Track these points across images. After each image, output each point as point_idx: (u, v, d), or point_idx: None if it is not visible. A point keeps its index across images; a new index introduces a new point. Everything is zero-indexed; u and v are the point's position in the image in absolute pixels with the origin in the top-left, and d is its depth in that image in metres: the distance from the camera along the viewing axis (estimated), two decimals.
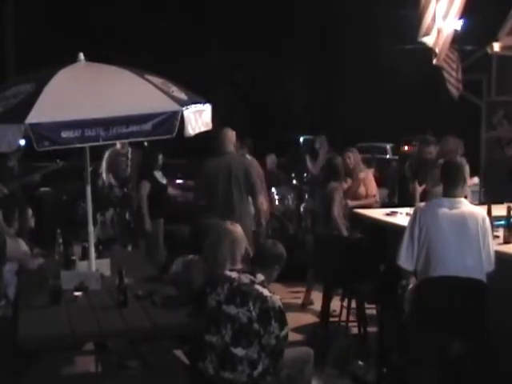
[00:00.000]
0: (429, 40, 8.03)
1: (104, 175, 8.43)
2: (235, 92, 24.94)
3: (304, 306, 7.41)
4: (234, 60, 24.26)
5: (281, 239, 6.63)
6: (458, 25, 8.25)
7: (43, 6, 20.71)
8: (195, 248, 5.11)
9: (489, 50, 11.94)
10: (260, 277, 4.05)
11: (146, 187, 7.67)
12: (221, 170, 6.64)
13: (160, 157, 8.04)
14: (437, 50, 8.22)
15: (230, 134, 6.78)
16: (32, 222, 6.65)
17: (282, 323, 3.92)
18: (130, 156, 8.40)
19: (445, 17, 7.99)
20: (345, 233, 6.79)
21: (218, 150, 6.73)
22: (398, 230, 5.22)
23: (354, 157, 7.68)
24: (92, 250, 5.03)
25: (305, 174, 9.97)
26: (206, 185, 6.69)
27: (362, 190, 7.58)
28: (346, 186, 7.41)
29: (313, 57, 24.91)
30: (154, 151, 8.04)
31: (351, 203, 7.27)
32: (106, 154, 8.41)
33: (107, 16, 21.79)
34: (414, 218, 4.54)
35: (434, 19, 7.86)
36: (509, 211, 4.97)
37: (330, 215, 6.95)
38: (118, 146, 8.29)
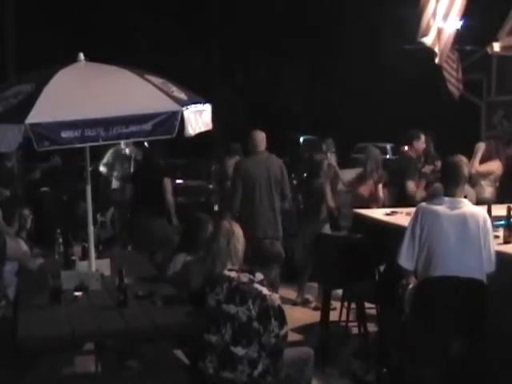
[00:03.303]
0: (427, 40, 8.04)
1: (102, 168, 8.45)
2: (235, 92, 24.92)
3: (297, 305, 7.43)
4: (234, 60, 24.25)
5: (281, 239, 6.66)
6: (458, 25, 8.26)
7: (43, 6, 20.70)
8: (187, 242, 5.15)
9: (489, 50, 11.96)
10: (259, 276, 4.05)
11: (169, 184, 7.65)
12: (260, 168, 6.67)
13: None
14: (436, 50, 8.22)
15: (262, 134, 6.84)
16: (29, 222, 6.64)
17: (282, 322, 3.92)
18: (133, 156, 8.40)
19: (446, 17, 8.00)
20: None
21: (253, 150, 6.78)
22: (398, 229, 5.22)
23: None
24: (92, 250, 5.03)
25: (305, 174, 9.98)
26: (244, 184, 6.66)
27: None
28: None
29: (313, 56, 24.90)
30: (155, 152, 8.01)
31: None
32: (110, 152, 8.45)
33: (107, 16, 21.78)
34: (415, 218, 4.54)
35: (432, 19, 7.87)
36: (509, 211, 4.97)
37: (320, 211, 7.33)
38: (122, 145, 8.29)
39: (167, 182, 7.64)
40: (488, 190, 8.05)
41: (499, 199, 7.01)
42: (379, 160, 7.98)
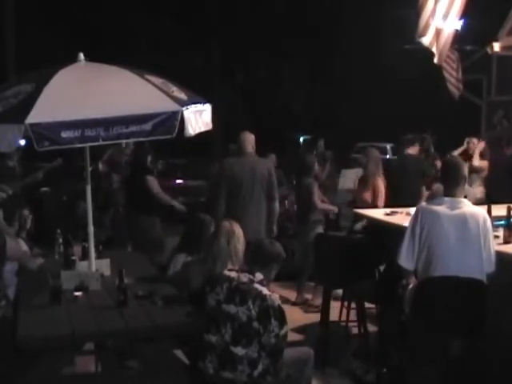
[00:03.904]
0: (425, 40, 8.05)
1: (100, 165, 8.45)
2: (235, 92, 24.92)
3: (297, 305, 7.44)
4: (234, 60, 24.26)
5: (280, 239, 6.67)
6: (458, 25, 8.28)
7: (43, 6, 20.71)
8: (188, 243, 5.15)
9: (489, 50, 12.00)
10: (259, 276, 4.05)
11: (153, 181, 7.56)
12: (245, 169, 6.67)
13: (149, 158, 7.95)
14: (434, 50, 8.24)
15: (250, 136, 6.84)
16: (29, 222, 6.63)
17: (282, 322, 3.92)
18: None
19: (445, 17, 8.00)
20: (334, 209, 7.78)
21: (240, 151, 6.80)
22: (398, 229, 5.22)
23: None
24: (92, 250, 5.04)
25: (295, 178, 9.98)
26: (229, 184, 6.66)
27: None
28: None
29: (313, 56, 24.90)
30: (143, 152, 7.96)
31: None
32: (109, 151, 8.44)
33: (107, 16, 21.78)
34: (415, 218, 4.54)
35: (431, 19, 7.88)
36: (509, 211, 4.97)
37: (308, 211, 7.38)
38: (123, 145, 8.28)
39: (150, 180, 7.50)
40: (479, 190, 8.07)
41: (492, 198, 7.04)
42: (379, 161, 7.92)
